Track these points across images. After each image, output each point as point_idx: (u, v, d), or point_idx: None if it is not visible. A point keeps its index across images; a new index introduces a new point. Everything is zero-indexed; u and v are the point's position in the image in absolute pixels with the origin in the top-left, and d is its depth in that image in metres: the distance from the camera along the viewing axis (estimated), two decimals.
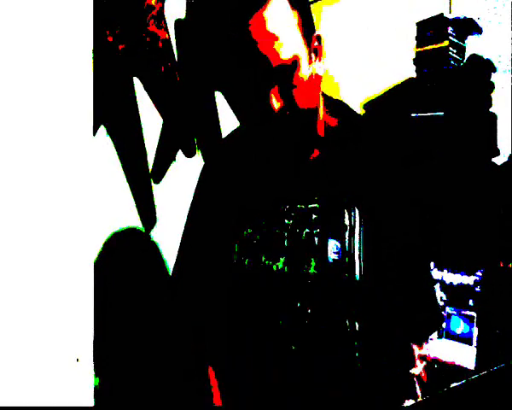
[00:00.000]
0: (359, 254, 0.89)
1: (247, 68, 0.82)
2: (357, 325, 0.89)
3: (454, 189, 1.58)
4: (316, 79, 0.88)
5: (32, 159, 1.04)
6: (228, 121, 1.78)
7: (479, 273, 1.53)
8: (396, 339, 0.95)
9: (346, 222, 0.89)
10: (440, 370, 1.51)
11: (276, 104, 0.82)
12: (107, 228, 1.53)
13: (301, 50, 0.84)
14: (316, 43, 0.89)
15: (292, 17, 0.82)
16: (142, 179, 1.61)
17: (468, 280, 1.55)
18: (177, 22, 1.68)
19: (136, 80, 1.58)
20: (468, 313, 1.53)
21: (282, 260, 0.92)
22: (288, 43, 0.81)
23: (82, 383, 1.12)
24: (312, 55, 0.87)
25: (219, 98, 1.82)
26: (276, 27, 0.80)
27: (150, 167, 1.63)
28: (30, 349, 1.03)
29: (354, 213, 0.89)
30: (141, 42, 1.57)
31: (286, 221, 0.93)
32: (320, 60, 0.89)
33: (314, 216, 0.91)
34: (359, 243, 0.89)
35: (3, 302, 1.00)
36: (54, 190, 1.07)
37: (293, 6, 0.83)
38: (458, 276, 1.57)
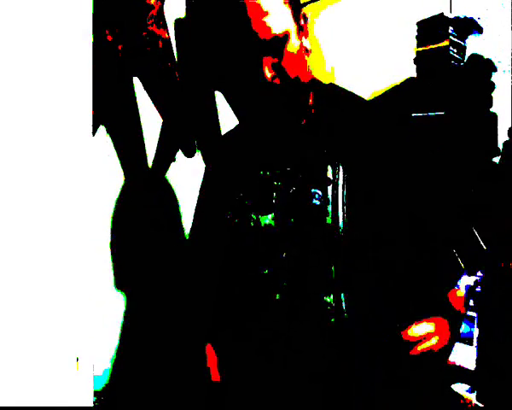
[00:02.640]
0: (342, 205, 0.96)
1: (243, 42, 0.91)
2: (341, 274, 0.95)
3: (454, 188, 1.58)
4: (304, 53, 0.97)
5: (32, 159, 1.04)
6: (228, 121, 1.78)
7: (479, 273, 1.52)
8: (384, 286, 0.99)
9: (329, 175, 0.97)
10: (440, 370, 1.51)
11: (269, 74, 0.92)
12: (106, 227, 1.53)
13: (291, 25, 0.93)
14: (302, 21, 0.98)
15: None
16: (141, 179, 1.61)
17: (469, 280, 1.54)
18: (177, 22, 1.68)
19: (136, 80, 1.58)
20: (468, 313, 1.53)
21: (270, 216, 1.00)
22: (280, 19, 0.91)
23: (82, 383, 1.12)
24: (300, 31, 0.96)
25: (219, 98, 1.81)
26: (269, 5, 0.90)
27: (150, 167, 1.63)
28: (30, 349, 1.03)
29: (338, 168, 0.97)
30: (141, 42, 1.57)
31: (274, 183, 1.01)
32: (306, 36, 0.98)
33: (300, 175, 0.99)
34: (343, 194, 0.96)
35: (3, 303, 1.00)
36: (54, 190, 1.07)
37: None
38: None
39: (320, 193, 0.96)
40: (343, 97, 1.07)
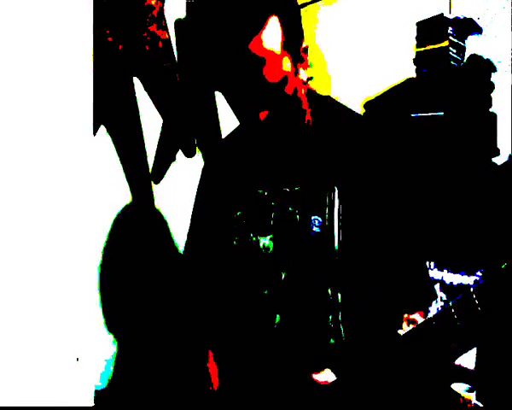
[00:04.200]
0: (338, 228, 0.97)
1: (244, 82, 0.93)
2: (339, 295, 0.96)
3: (454, 188, 1.58)
4: (302, 86, 0.98)
5: (32, 159, 1.04)
6: (228, 121, 1.78)
7: (479, 273, 1.52)
8: (381, 305, 1.00)
9: (326, 200, 0.98)
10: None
11: (263, 115, 0.93)
12: (107, 227, 1.53)
13: (290, 67, 0.94)
14: (302, 54, 0.98)
15: (282, 37, 0.92)
16: (142, 179, 1.61)
17: (468, 280, 1.55)
18: (177, 22, 1.68)
19: (136, 80, 1.58)
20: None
21: (268, 236, 1.02)
22: (280, 63, 0.92)
23: (82, 383, 1.12)
24: (299, 65, 0.97)
25: (219, 98, 1.82)
26: (271, 48, 0.91)
27: (150, 167, 1.63)
28: (30, 349, 1.03)
29: (334, 192, 0.98)
30: (141, 42, 1.57)
31: (272, 203, 1.02)
32: (305, 68, 0.99)
33: (297, 197, 1.01)
34: (338, 217, 0.97)
35: (4, 302, 1.00)
36: (54, 190, 1.07)
37: (284, 26, 0.92)
38: (458, 276, 1.57)
39: (320, 219, 0.98)
40: (338, 114, 1.07)
